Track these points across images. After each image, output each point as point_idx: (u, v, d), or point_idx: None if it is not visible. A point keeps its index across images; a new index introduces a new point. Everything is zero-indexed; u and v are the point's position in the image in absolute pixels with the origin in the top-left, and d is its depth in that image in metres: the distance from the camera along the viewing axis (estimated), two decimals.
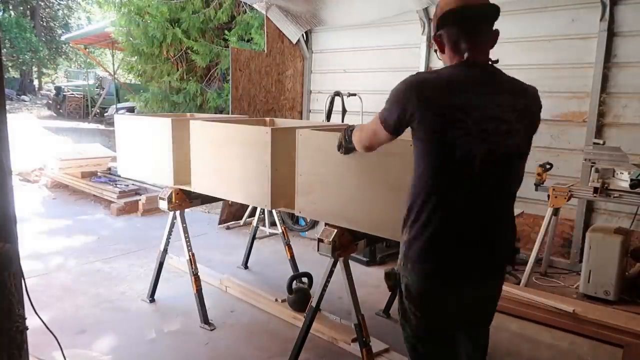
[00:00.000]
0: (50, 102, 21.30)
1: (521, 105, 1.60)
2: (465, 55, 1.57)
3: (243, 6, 7.97)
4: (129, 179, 6.03)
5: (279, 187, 2.71)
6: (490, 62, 1.64)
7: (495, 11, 1.60)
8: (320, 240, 2.46)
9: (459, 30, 1.59)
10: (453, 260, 1.62)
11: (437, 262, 1.63)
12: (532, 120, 1.65)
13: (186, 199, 3.34)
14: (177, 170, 3.26)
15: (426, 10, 5.01)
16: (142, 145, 3.51)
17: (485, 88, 1.57)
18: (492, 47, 1.65)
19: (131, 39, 8.83)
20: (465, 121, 1.50)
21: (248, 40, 8.12)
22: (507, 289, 3.62)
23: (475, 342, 1.87)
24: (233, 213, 5.83)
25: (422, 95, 1.52)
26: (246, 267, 4.48)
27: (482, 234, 1.63)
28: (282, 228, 4.15)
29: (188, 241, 3.40)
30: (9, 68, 26.39)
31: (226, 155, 2.92)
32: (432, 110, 1.52)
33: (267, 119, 3.88)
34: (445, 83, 1.55)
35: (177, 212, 3.38)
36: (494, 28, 1.64)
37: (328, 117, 5.35)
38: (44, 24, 30.78)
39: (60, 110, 19.96)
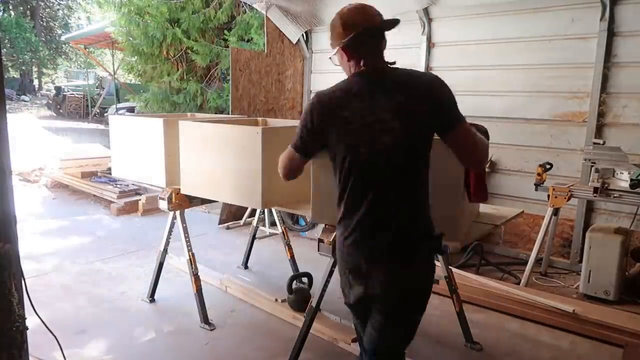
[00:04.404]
0: (50, 102, 21.30)
1: (395, 102, 1.69)
2: (361, 66, 1.76)
3: (243, 6, 7.96)
4: (127, 179, 6.02)
5: (270, 186, 2.71)
6: (385, 66, 1.78)
7: (390, 24, 1.77)
8: (320, 241, 2.46)
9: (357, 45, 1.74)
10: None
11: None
12: (412, 112, 1.70)
13: (186, 199, 3.34)
14: (170, 170, 3.26)
15: (426, 10, 5.01)
16: (135, 145, 3.51)
17: (368, 94, 1.73)
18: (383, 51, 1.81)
19: (131, 39, 8.82)
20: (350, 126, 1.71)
21: (248, 41, 8.12)
22: (507, 289, 3.62)
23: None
24: (233, 213, 5.83)
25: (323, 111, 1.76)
26: (246, 267, 4.48)
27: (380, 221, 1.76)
28: (282, 228, 4.15)
29: (188, 241, 3.40)
30: (9, 68, 26.37)
31: (216, 156, 2.91)
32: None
33: (260, 119, 3.88)
34: (337, 97, 1.77)
35: (177, 212, 3.38)
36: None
37: None
38: (44, 24, 30.78)
39: (60, 110, 19.96)
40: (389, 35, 1.79)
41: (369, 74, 1.75)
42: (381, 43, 1.77)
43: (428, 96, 1.71)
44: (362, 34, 1.71)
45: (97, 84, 20.04)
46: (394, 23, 1.76)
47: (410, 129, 1.69)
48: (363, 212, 1.75)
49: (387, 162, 1.70)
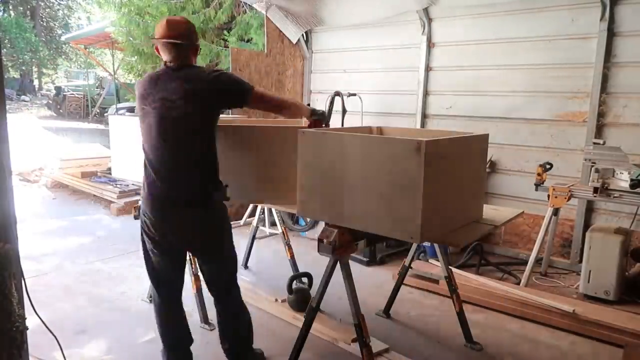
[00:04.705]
0: (50, 102, 21.30)
1: (184, 88, 2.29)
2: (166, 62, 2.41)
3: (243, 6, 7.97)
4: (127, 179, 6.01)
5: (268, 185, 2.74)
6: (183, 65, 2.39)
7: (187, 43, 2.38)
8: (320, 240, 2.45)
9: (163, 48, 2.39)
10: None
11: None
12: (197, 96, 2.31)
13: None
14: None
15: (426, 10, 5.01)
16: (135, 145, 3.50)
17: (165, 80, 2.35)
18: (194, 54, 2.45)
19: (131, 39, 8.84)
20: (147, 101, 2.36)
21: (248, 41, 8.12)
22: (507, 289, 3.62)
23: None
24: (233, 213, 5.82)
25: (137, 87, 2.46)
26: (246, 267, 4.48)
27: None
28: (282, 228, 4.15)
29: None
30: (9, 68, 26.36)
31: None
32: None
33: (254, 119, 3.89)
34: (147, 78, 2.44)
35: None
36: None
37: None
38: (44, 24, 30.78)
39: (60, 110, 19.96)
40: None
41: (168, 67, 2.37)
42: (179, 51, 2.34)
43: (213, 85, 2.33)
44: (158, 42, 2.35)
45: (97, 84, 20.04)
46: (175, 45, 2.33)
47: (195, 109, 2.29)
48: (163, 172, 2.34)
49: (174, 131, 2.31)
